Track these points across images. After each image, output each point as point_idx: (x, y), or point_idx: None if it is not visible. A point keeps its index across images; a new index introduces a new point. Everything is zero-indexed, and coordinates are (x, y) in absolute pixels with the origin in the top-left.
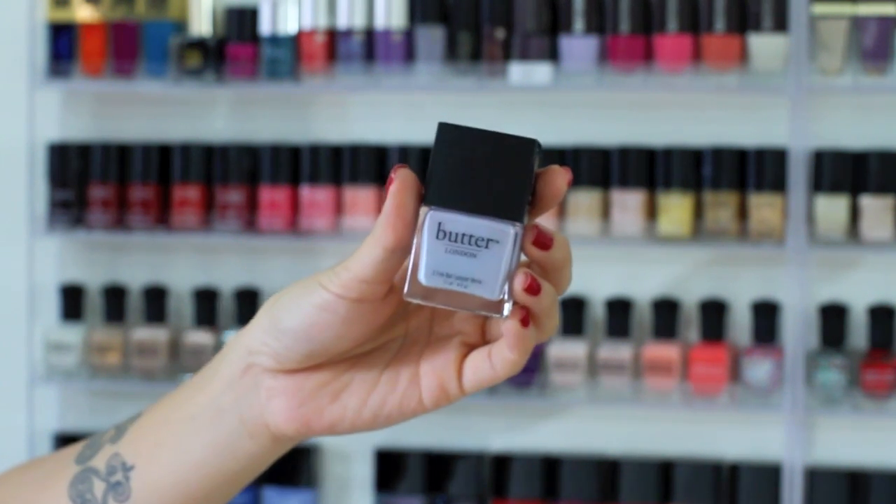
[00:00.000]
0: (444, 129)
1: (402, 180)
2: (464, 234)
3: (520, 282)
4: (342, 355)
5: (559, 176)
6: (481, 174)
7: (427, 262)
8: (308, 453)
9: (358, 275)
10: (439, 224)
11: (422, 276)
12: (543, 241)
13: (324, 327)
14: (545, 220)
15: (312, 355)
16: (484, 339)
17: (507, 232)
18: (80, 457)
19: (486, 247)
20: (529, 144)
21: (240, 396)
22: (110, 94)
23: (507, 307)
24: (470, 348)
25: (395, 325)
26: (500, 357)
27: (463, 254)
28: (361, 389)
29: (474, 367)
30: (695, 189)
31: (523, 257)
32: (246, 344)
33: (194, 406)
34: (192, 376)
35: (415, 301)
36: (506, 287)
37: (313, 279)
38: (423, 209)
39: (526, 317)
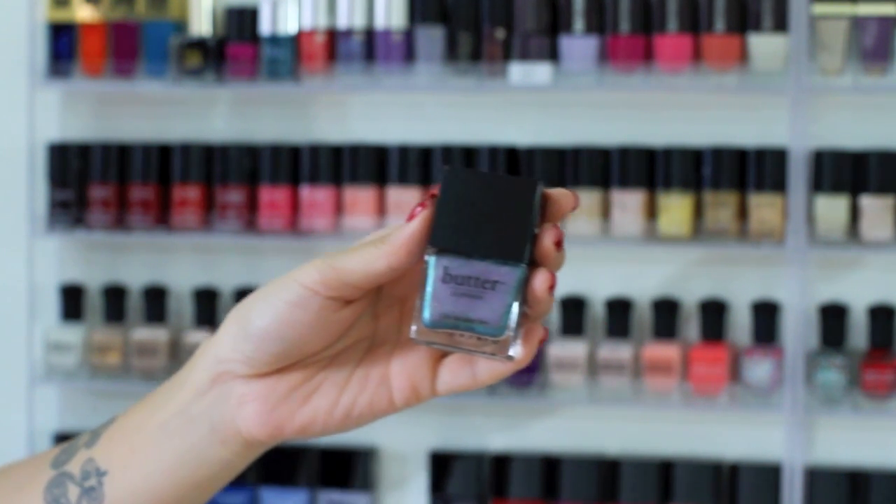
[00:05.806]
0: (450, 174)
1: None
2: (469, 277)
3: (545, 274)
4: (313, 356)
5: (566, 199)
6: (486, 217)
7: (433, 304)
8: (366, 455)
9: (345, 277)
10: (445, 268)
11: (429, 319)
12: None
13: (295, 324)
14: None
15: (284, 355)
16: None
17: (511, 274)
18: (55, 461)
19: (493, 288)
20: (532, 185)
21: (210, 405)
22: (110, 94)
23: (514, 349)
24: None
25: (365, 325)
26: (487, 367)
27: (469, 296)
28: (332, 390)
29: (453, 372)
30: (695, 189)
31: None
32: (214, 353)
33: (166, 413)
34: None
35: (421, 343)
36: (512, 327)
37: (287, 277)
38: (430, 252)
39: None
